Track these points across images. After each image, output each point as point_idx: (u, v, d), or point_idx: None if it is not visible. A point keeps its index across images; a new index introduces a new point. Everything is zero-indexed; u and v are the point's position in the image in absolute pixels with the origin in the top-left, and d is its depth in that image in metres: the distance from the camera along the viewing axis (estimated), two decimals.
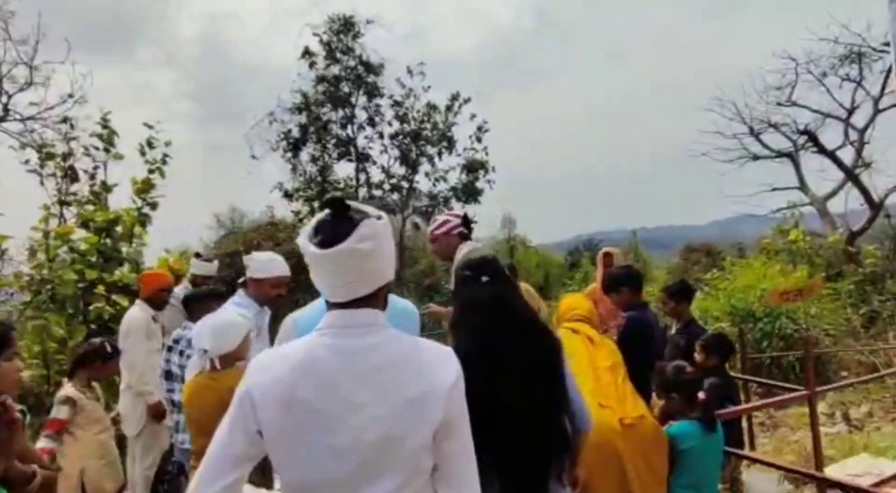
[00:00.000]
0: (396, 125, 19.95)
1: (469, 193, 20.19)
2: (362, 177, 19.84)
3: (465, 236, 3.73)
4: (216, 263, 6.26)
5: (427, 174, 20.22)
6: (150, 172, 7.88)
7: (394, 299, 2.36)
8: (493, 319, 2.35)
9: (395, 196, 19.66)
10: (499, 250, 38.08)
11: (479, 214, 21.19)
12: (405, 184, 20.07)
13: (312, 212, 18.65)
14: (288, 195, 18.78)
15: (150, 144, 8.01)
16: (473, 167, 20.16)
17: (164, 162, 8.01)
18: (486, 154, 20.14)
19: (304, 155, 19.40)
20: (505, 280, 2.48)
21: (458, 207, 20.42)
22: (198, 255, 6.46)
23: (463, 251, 3.58)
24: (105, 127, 8.06)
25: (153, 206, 7.87)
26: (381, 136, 19.89)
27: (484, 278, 2.40)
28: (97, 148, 8.09)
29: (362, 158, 19.81)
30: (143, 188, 7.85)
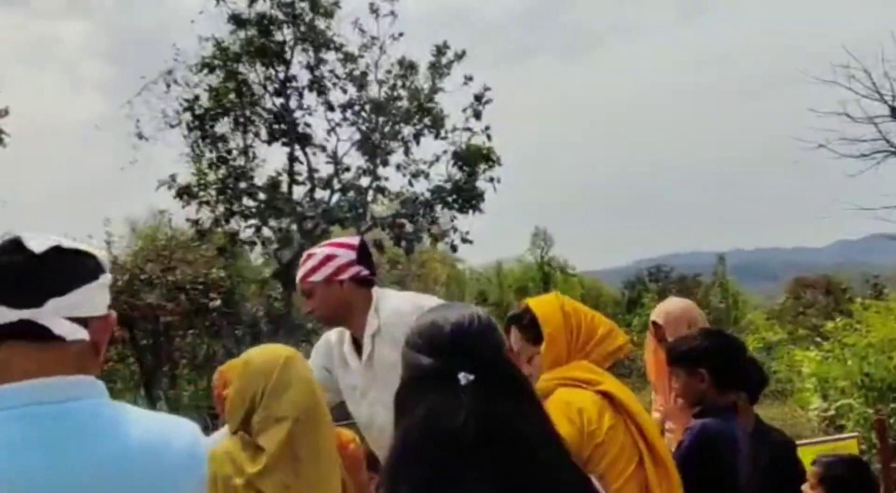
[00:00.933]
0: (353, 91, 13.31)
1: (463, 195, 13.40)
2: (301, 168, 13.21)
3: (368, 282, 2.56)
4: None
5: (399, 167, 13.49)
6: None
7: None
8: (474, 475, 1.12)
9: (349, 197, 12.86)
10: (532, 280, 32.05)
11: (480, 229, 14.44)
12: (365, 180, 13.40)
13: (220, 220, 12.19)
14: (187, 194, 12.11)
15: None
16: (470, 157, 13.36)
17: None
18: (489, 137, 13.36)
19: (218, 134, 12.83)
20: (510, 381, 1.24)
21: (445, 217, 13.65)
22: None
23: (388, 308, 2.47)
24: None
25: None
26: (331, 107, 13.23)
27: (463, 378, 1.15)
28: None
29: (302, 140, 13.18)
30: None
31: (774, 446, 2.79)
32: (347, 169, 13.18)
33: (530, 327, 2.23)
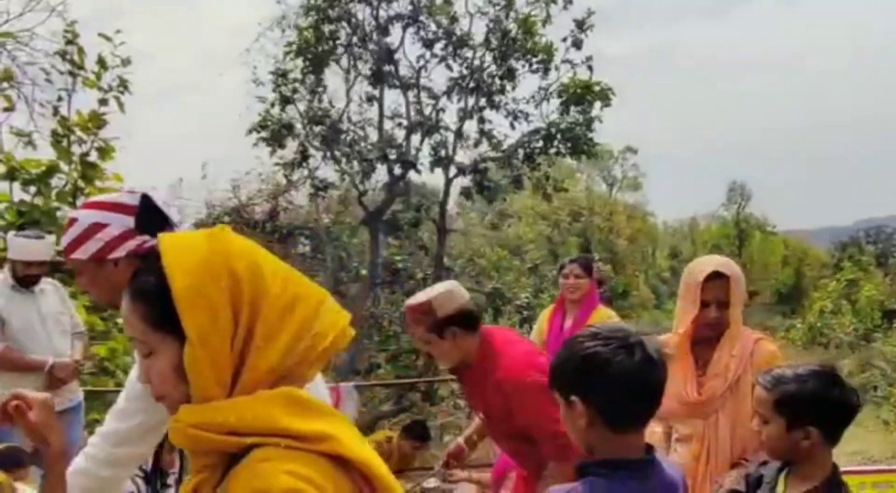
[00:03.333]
0: (449, 26, 12.30)
1: (574, 141, 11.94)
2: (412, 112, 12.55)
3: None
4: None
5: (501, 107, 12.32)
6: (102, 102, 6.90)
7: None
8: None
9: (435, 139, 12.06)
10: (727, 237, 28.71)
11: (675, 181, 12.87)
12: (471, 123, 12.37)
13: (308, 164, 12.02)
14: (276, 138, 11.94)
15: (102, 64, 6.98)
16: (578, 95, 11.82)
17: (123, 89, 6.96)
18: (590, 69, 11.69)
19: (329, 75, 12.59)
20: None
21: (548, 162, 12.31)
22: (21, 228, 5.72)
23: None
24: (71, 43, 7.11)
25: (104, 152, 6.79)
26: (428, 43, 12.39)
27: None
28: (61, 72, 7.17)
29: (398, 80, 12.51)
30: (89, 123, 6.77)
31: None
32: (443, 110, 12.32)
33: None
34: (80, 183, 7.47)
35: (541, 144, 12.00)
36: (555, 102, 12.08)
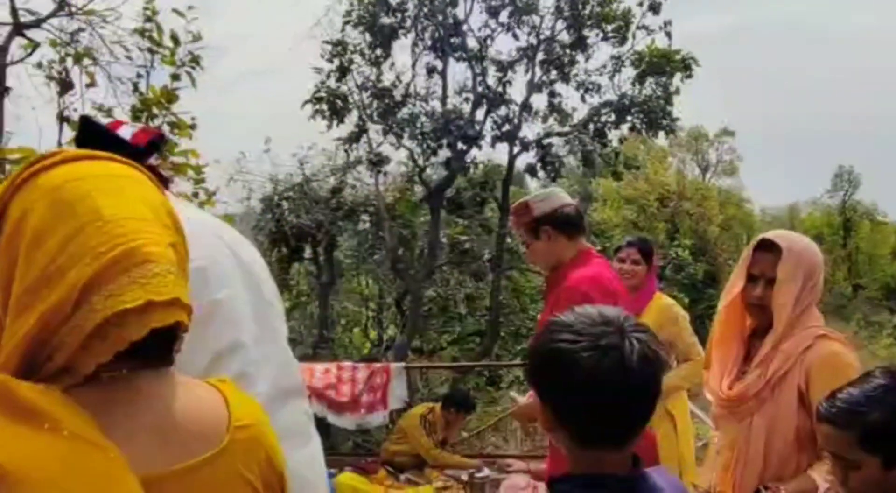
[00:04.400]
0: None
1: (650, 115, 11.14)
2: (478, 85, 12.05)
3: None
4: None
5: (571, 79, 11.62)
6: (174, 78, 6.24)
7: None
8: None
9: (499, 114, 11.50)
10: (830, 225, 26.51)
11: (774, 164, 12.01)
12: (540, 96, 11.76)
13: (366, 137, 11.66)
14: (333, 109, 11.51)
15: (174, 40, 6.38)
16: (655, 64, 10.99)
17: (195, 63, 6.38)
18: (669, 37, 10.81)
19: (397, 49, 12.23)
20: None
21: (618, 138, 11.53)
22: None
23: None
24: (150, 20, 6.68)
25: (177, 127, 6.05)
26: (493, 11, 11.81)
27: None
28: (141, 49, 6.87)
29: (474, 57, 12.01)
30: (162, 98, 6.06)
31: None
32: (509, 83, 11.74)
33: None
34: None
35: (613, 118, 11.26)
36: (629, 72, 11.27)
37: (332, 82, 10.79)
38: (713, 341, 2.53)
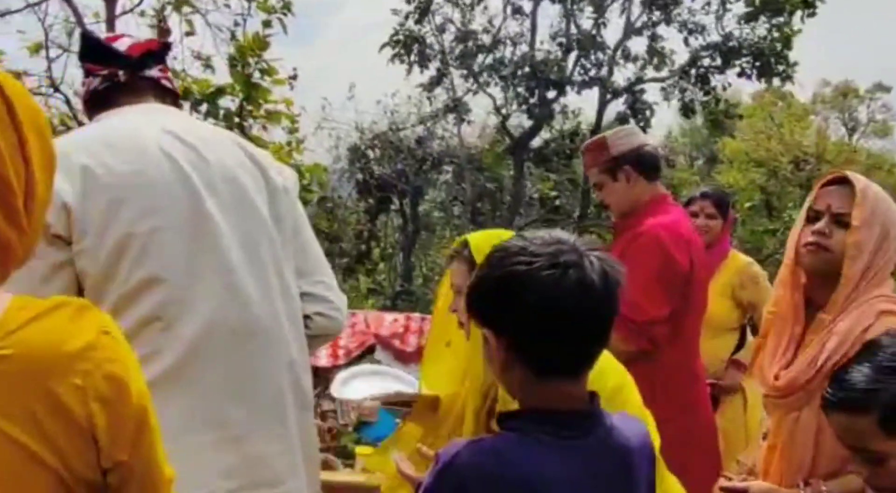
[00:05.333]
0: None
1: (762, 59, 9.99)
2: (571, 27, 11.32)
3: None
4: None
5: (680, 24, 10.62)
6: (266, 24, 6.39)
7: None
8: None
9: (590, 59, 10.72)
10: None
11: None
12: (638, 41, 10.87)
13: (447, 82, 11.25)
14: (414, 54, 11.06)
15: None
16: (770, 2, 9.78)
17: (286, 10, 6.64)
18: None
19: None
20: None
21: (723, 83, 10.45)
22: None
23: None
24: None
25: (267, 74, 6.19)
26: None
27: None
28: None
29: None
30: (254, 45, 6.22)
31: None
32: (604, 24, 10.91)
33: None
34: (246, 105, 7.58)
35: (718, 62, 10.20)
36: (737, 10, 10.13)
37: (410, 24, 10.41)
38: (767, 313, 2.04)
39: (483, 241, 1.65)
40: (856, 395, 1.46)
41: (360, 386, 2.46)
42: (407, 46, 10.26)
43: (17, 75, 8.90)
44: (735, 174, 23.47)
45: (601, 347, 1.17)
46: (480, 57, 10.76)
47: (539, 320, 1.10)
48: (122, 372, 0.78)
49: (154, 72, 1.60)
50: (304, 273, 1.59)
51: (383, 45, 10.31)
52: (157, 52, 1.64)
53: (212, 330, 1.38)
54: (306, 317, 1.57)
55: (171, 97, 1.65)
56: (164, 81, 1.62)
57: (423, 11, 10.37)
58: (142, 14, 11.36)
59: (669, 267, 2.30)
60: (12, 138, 0.75)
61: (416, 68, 10.86)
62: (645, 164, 2.54)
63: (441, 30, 10.60)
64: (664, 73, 10.64)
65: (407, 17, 10.43)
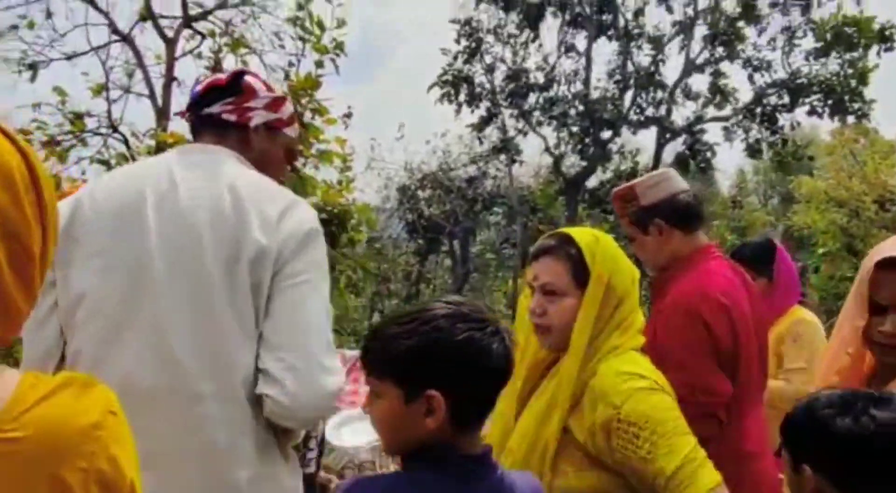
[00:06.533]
0: None
1: (834, 95, 9.41)
2: (627, 68, 10.96)
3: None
4: None
5: (744, 60, 10.13)
6: (318, 65, 6.38)
7: None
8: None
9: (649, 98, 10.31)
10: None
11: None
12: (699, 79, 10.40)
13: (499, 122, 11.01)
14: (468, 95, 10.86)
15: (319, 25, 6.55)
16: (843, 36, 9.20)
17: (338, 50, 6.47)
18: (858, 2, 8.99)
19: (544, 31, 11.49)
20: None
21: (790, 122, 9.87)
22: None
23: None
24: (301, 7, 6.97)
25: (318, 112, 6.09)
26: None
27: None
28: (293, 37, 7.02)
29: (628, 36, 10.93)
30: (306, 85, 6.09)
31: None
32: (662, 61, 10.50)
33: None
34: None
35: (786, 100, 9.63)
36: (806, 46, 9.56)
37: (459, 64, 10.26)
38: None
39: (593, 242, 1.64)
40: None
41: (355, 431, 2.30)
42: (456, 86, 10.08)
43: (79, 116, 9.16)
44: (813, 214, 22.36)
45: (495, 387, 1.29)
46: (532, 96, 10.49)
47: (481, 381, 1.23)
48: (123, 453, 0.80)
49: (215, 108, 1.59)
50: (270, 346, 1.42)
51: (432, 85, 10.17)
52: (225, 86, 1.62)
53: (124, 392, 1.23)
54: (259, 396, 1.43)
55: (237, 130, 1.60)
56: (225, 115, 1.59)
57: (473, 51, 10.20)
58: (199, 56, 11.62)
59: (711, 341, 2.02)
60: (35, 207, 0.77)
61: (466, 108, 10.67)
62: (680, 215, 2.26)
63: (490, 69, 10.39)
64: (726, 111, 10.13)
65: (456, 57, 10.29)
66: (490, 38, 10.33)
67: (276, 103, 1.66)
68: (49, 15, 11.26)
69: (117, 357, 1.35)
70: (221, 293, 1.39)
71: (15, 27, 10.74)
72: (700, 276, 2.20)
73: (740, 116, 9.87)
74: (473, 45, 10.14)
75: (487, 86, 10.46)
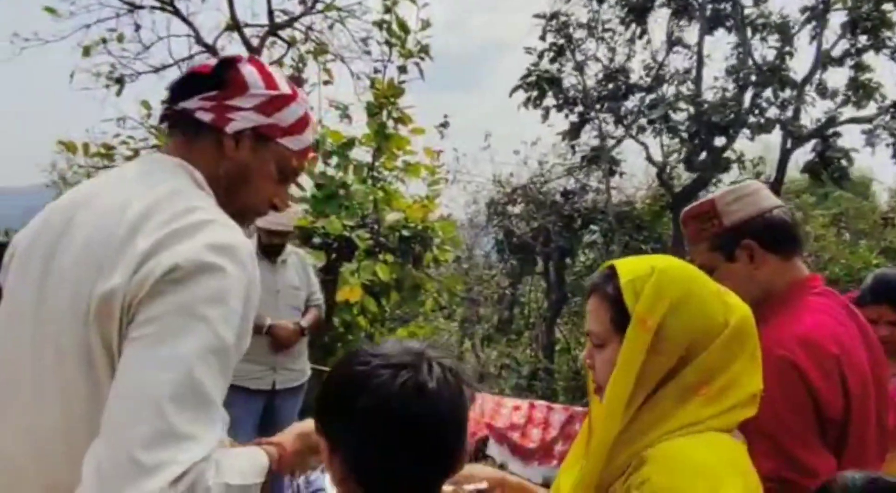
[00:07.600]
0: None
1: None
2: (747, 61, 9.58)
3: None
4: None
5: (894, 51, 8.53)
6: (401, 70, 6.46)
7: None
8: None
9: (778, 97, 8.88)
10: None
11: None
12: (835, 73, 8.88)
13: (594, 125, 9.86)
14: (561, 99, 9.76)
15: (403, 27, 6.52)
16: None
17: (423, 54, 6.52)
18: None
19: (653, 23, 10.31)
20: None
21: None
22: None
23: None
24: (388, 11, 6.85)
25: (400, 121, 6.20)
26: None
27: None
28: (379, 43, 6.96)
29: (749, 26, 9.56)
30: (388, 92, 6.16)
31: None
32: (790, 54, 9.00)
33: None
34: (378, 155, 7.01)
35: None
36: None
37: (545, 63, 9.22)
38: None
39: (643, 275, 1.31)
40: None
41: None
42: (541, 88, 9.06)
43: (159, 129, 8.91)
44: None
45: (450, 459, 1.10)
46: (632, 98, 9.30)
47: (364, 429, 1.08)
48: None
49: (192, 102, 1.32)
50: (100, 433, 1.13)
51: (515, 88, 9.18)
52: (209, 75, 1.34)
53: None
54: None
55: (213, 133, 1.33)
56: (200, 113, 1.32)
57: (561, 49, 9.13)
58: (281, 65, 11.24)
59: (811, 402, 1.62)
60: None
61: (555, 113, 9.62)
62: (775, 235, 1.91)
63: (580, 68, 9.28)
64: (869, 110, 8.53)
65: (541, 56, 9.25)
66: (581, 34, 9.24)
67: (273, 104, 1.33)
68: (137, 27, 11.33)
69: None
70: (47, 360, 1.19)
71: (104, 41, 10.82)
72: (800, 315, 1.79)
73: (887, 116, 8.25)
74: (562, 41, 9.09)
75: (580, 87, 9.36)
